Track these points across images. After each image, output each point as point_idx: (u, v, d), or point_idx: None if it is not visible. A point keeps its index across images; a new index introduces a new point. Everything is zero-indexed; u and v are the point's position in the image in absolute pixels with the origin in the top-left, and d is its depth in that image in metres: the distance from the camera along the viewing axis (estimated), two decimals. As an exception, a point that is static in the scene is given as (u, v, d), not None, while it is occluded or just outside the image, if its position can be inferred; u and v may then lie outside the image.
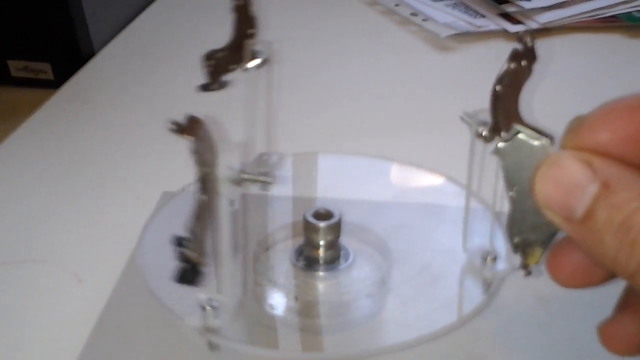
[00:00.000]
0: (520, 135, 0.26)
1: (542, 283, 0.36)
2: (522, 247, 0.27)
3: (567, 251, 0.26)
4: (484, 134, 0.28)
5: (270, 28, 0.73)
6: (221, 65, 0.35)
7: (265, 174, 0.31)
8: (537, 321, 0.34)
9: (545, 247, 0.27)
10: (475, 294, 0.34)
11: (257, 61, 0.35)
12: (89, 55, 0.65)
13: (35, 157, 0.50)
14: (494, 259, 0.35)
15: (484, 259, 0.35)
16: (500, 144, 0.26)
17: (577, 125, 0.24)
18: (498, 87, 0.27)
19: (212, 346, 0.31)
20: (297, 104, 0.57)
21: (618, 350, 0.27)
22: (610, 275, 0.26)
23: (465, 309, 0.34)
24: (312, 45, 0.69)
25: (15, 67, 0.64)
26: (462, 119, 0.31)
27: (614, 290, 0.28)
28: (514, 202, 0.26)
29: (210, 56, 0.35)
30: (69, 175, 0.48)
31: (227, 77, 0.36)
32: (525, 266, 0.28)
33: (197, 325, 0.30)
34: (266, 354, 0.32)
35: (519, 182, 0.26)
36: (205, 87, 0.36)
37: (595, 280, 0.26)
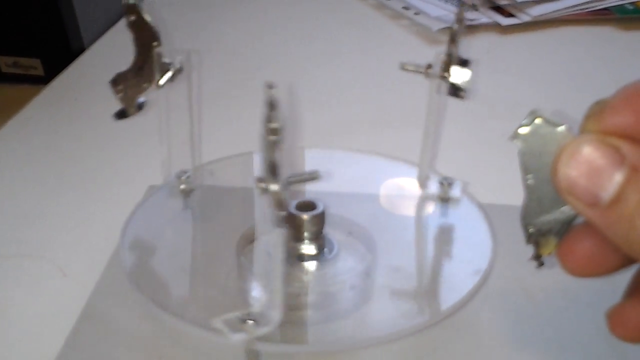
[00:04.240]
0: (539, 120, 0.25)
1: (528, 274, 0.36)
2: (535, 238, 0.27)
3: (579, 240, 0.26)
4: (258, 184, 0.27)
5: (260, 23, 0.73)
6: (132, 87, 0.34)
7: (313, 172, 0.32)
8: (522, 312, 0.34)
9: (559, 237, 0.26)
10: (460, 285, 0.34)
11: (168, 75, 0.34)
12: (79, 51, 0.65)
13: (23, 153, 0.50)
14: (450, 184, 0.39)
15: (441, 184, 0.39)
16: (520, 129, 0.25)
17: (599, 109, 0.23)
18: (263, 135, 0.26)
19: (254, 355, 0.31)
20: (287, 98, 0.57)
21: (626, 336, 0.27)
22: (621, 265, 0.26)
23: (450, 300, 0.33)
24: (303, 40, 0.69)
25: (5, 63, 0.64)
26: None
27: (598, 282, 0.28)
28: (530, 189, 0.26)
29: (117, 81, 0.34)
30: (57, 170, 0.48)
31: (142, 98, 0.35)
32: (538, 257, 0.27)
33: (242, 340, 0.29)
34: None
35: (537, 168, 0.25)
36: (121, 115, 0.35)
37: (606, 270, 0.26)
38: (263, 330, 0.29)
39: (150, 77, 0.34)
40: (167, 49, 0.35)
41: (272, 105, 0.25)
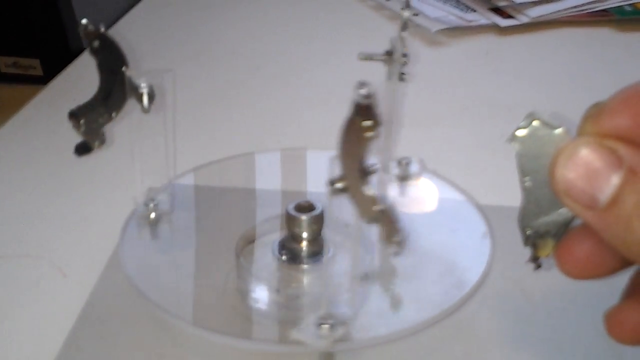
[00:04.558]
0: (537, 122, 0.25)
1: (526, 276, 0.36)
2: (533, 240, 0.27)
3: (577, 243, 0.26)
4: (335, 186, 0.27)
5: (259, 23, 0.73)
6: (98, 118, 0.32)
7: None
8: (520, 313, 0.34)
9: (557, 239, 0.26)
10: (458, 286, 0.34)
11: (145, 98, 0.32)
12: (78, 51, 0.64)
13: (22, 153, 0.50)
14: (407, 163, 0.41)
15: (399, 163, 0.41)
16: (517, 132, 0.25)
17: (596, 111, 0.24)
18: (343, 138, 0.26)
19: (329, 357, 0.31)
20: (286, 100, 0.57)
21: (624, 338, 0.26)
22: (618, 267, 0.26)
23: (448, 301, 0.34)
24: (302, 41, 0.69)
25: (5, 63, 0.64)
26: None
27: (596, 284, 0.28)
28: (528, 191, 0.26)
29: (77, 114, 0.32)
30: (56, 170, 0.48)
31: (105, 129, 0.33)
32: (535, 259, 0.27)
33: (324, 345, 0.30)
34: (247, 345, 0.32)
35: (535, 170, 0.25)
36: (82, 149, 0.33)
37: (604, 272, 0.26)
38: (340, 332, 0.29)
39: (118, 105, 0.32)
40: (137, 72, 0.33)
41: (367, 101, 0.24)
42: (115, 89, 0.32)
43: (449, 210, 0.41)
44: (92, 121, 0.32)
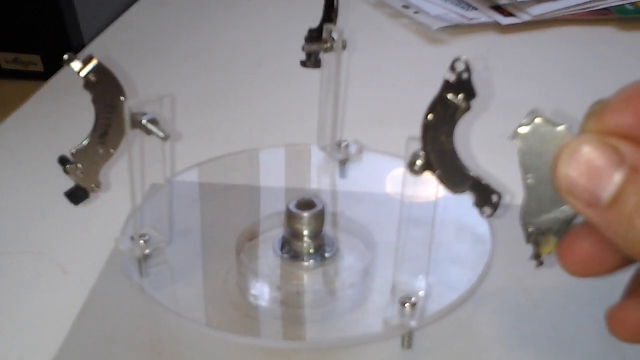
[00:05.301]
0: (539, 120, 0.25)
1: (527, 274, 0.36)
2: (535, 237, 0.27)
3: (579, 240, 0.26)
4: (416, 166, 0.27)
5: (260, 21, 0.73)
6: (97, 159, 0.30)
7: None
8: (521, 311, 0.34)
9: (559, 236, 0.26)
10: (459, 284, 0.34)
11: (152, 126, 0.30)
12: (79, 47, 0.64)
13: (23, 149, 0.50)
14: (347, 145, 0.43)
15: (338, 146, 0.43)
16: (520, 129, 0.25)
17: (599, 109, 0.24)
18: (430, 116, 0.26)
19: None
20: (289, 97, 0.57)
21: (625, 336, 0.27)
22: (620, 264, 0.26)
23: (449, 299, 0.34)
24: (302, 38, 0.69)
25: (5, 59, 0.63)
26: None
27: (597, 282, 0.28)
28: (530, 189, 0.26)
29: (72, 160, 0.30)
30: (56, 166, 0.47)
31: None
32: (537, 256, 0.27)
33: (416, 324, 0.31)
34: (247, 342, 0.32)
35: (537, 167, 0.25)
36: (80, 197, 0.31)
37: (605, 269, 0.26)
38: (420, 305, 0.31)
39: (117, 140, 0.30)
40: (135, 100, 0.31)
41: (466, 75, 0.25)
42: (112, 124, 0.30)
43: (450, 207, 0.40)
44: (90, 164, 0.30)
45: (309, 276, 0.36)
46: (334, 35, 0.38)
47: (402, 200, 0.29)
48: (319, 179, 0.44)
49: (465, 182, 0.27)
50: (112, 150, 0.30)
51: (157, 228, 0.39)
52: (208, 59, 0.64)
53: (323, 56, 0.40)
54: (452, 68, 0.25)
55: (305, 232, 0.36)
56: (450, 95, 0.25)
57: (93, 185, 0.31)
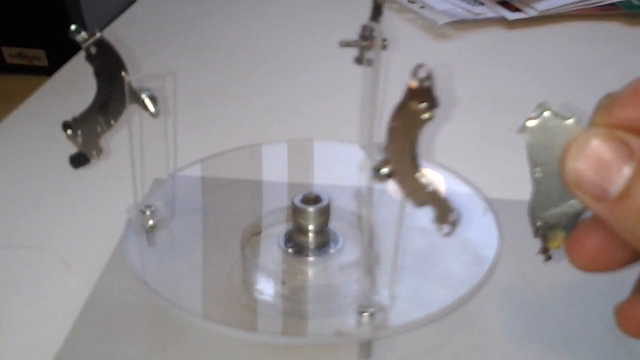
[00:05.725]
0: (548, 113, 0.24)
1: (534, 269, 0.36)
2: (543, 231, 0.26)
3: (588, 235, 0.25)
4: (381, 172, 0.27)
5: (261, 17, 0.73)
6: (96, 127, 0.31)
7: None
8: (528, 307, 0.34)
9: (567, 231, 0.26)
10: (465, 279, 0.34)
11: (149, 102, 0.31)
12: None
13: (27, 143, 0.50)
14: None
15: (379, 148, 0.38)
16: (528, 122, 0.25)
17: (608, 102, 0.23)
18: (393, 123, 0.26)
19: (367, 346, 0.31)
20: (294, 91, 0.57)
21: (635, 332, 0.26)
22: (629, 260, 0.25)
23: (455, 295, 0.33)
24: (307, 33, 0.69)
25: (10, 53, 0.63)
26: None
27: (604, 278, 0.28)
28: (538, 182, 0.25)
29: (72, 125, 0.31)
30: (61, 160, 0.47)
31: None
32: (545, 250, 0.27)
33: (369, 334, 0.30)
34: (250, 337, 0.32)
35: (545, 161, 0.25)
36: (80, 161, 0.32)
37: (614, 265, 0.26)
38: (381, 318, 0.29)
39: (118, 112, 0.31)
40: (138, 75, 0.32)
41: (427, 83, 0.24)
42: (113, 96, 0.31)
43: (456, 203, 0.40)
44: (90, 131, 0.31)
45: (313, 271, 0.36)
46: (376, 34, 0.36)
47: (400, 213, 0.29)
48: (357, 177, 0.43)
49: (424, 195, 0.27)
50: (112, 122, 0.31)
51: (160, 222, 0.39)
52: (210, 54, 0.64)
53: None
54: (414, 74, 0.24)
55: (310, 228, 0.35)
56: (413, 104, 0.25)
57: (94, 152, 0.32)
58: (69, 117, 0.52)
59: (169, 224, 0.37)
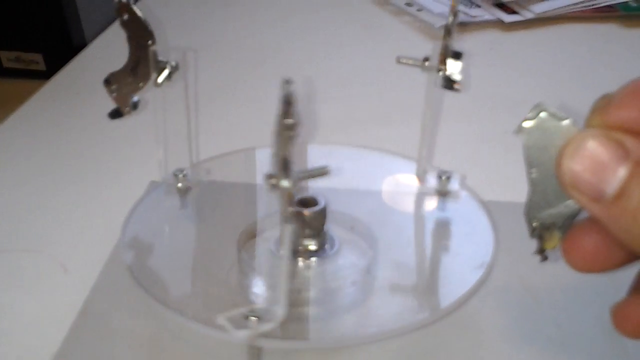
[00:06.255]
0: (544, 114, 0.25)
1: (530, 271, 0.36)
2: (539, 232, 0.26)
3: (584, 235, 0.25)
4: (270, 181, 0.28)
5: (261, 18, 0.73)
6: (127, 86, 0.34)
7: (323, 168, 0.32)
8: (524, 308, 0.34)
9: (563, 231, 0.26)
10: (462, 282, 0.34)
11: (165, 74, 0.35)
12: (81, 46, 0.64)
13: (24, 147, 0.50)
14: (448, 178, 0.40)
15: (440, 178, 0.40)
16: (524, 123, 0.25)
17: (604, 103, 0.23)
18: (274, 129, 0.26)
19: (256, 352, 0.31)
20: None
21: (631, 332, 0.26)
22: (625, 260, 0.25)
23: (451, 297, 0.33)
24: (305, 36, 0.69)
25: (7, 57, 0.63)
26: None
27: (601, 278, 0.28)
28: (534, 183, 0.26)
29: (110, 80, 0.34)
30: (58, 164, 0.47)
31: (136, 97, 0.35)
32: (541, 251, 0.27)
33: (245, 336, 0.29)
34: (246, 341, 0.32)
35: (541, 162, 0.25)
36: (115, 114, 0.36)
37: (610, 265, 0.26)
38: (266, 327, 0.28)
39: (145, 76, 0.34)
40: (163, 48, 0.35)
41: (288, 101, 0.24)
42: (142, 62, 0.34)
43: (452, 206, 0.40)
44: (122, 88, 0.34)
45: (311, 274, 0.35)
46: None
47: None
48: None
49: (287, 212, 0.28)
50: (141, 84, 0.35)
51: (156, 226, 0.39)
52: (209, 56, 0.64)
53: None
54: (282, 87, 0.25)
55: (308, 230, 0.35)
56: (284, 117, 0.25)
57: (127, 108, 0.35)
58: (66, 120, 0.53)
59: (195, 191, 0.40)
